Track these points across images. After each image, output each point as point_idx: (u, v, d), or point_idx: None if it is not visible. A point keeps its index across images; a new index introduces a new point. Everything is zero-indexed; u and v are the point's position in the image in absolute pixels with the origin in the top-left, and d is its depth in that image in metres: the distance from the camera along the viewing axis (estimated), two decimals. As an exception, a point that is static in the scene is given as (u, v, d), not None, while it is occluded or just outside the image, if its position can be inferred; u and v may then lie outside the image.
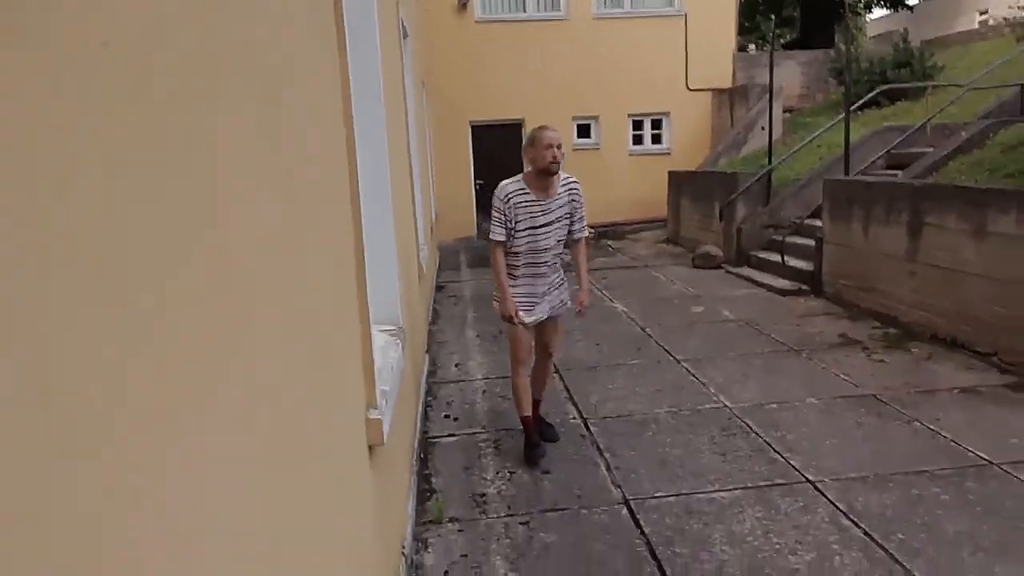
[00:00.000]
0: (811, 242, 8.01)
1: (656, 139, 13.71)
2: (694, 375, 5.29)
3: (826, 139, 9.81)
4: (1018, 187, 5.06)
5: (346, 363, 2.16)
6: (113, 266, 0.73)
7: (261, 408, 1.22)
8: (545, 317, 4.08)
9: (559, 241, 4.00)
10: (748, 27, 21.38)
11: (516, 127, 13.32)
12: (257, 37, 1.36)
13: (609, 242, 12.29)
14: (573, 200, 4.00)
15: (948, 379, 4.96)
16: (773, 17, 22.49)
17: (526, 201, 3.87)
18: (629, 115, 13.47)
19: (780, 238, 8.92)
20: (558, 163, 3.80)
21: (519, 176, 3.96)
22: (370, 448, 2.33)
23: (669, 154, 13.52)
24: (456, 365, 5.90)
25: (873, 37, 31.76)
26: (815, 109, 12.90)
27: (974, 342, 5.35)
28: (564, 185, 3.96)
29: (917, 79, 11.21)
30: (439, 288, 9.20)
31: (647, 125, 13.65)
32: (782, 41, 25.17)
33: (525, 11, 13.11)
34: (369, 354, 2.46)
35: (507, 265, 3.98)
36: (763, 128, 11.99)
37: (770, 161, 9.46)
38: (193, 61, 0.99)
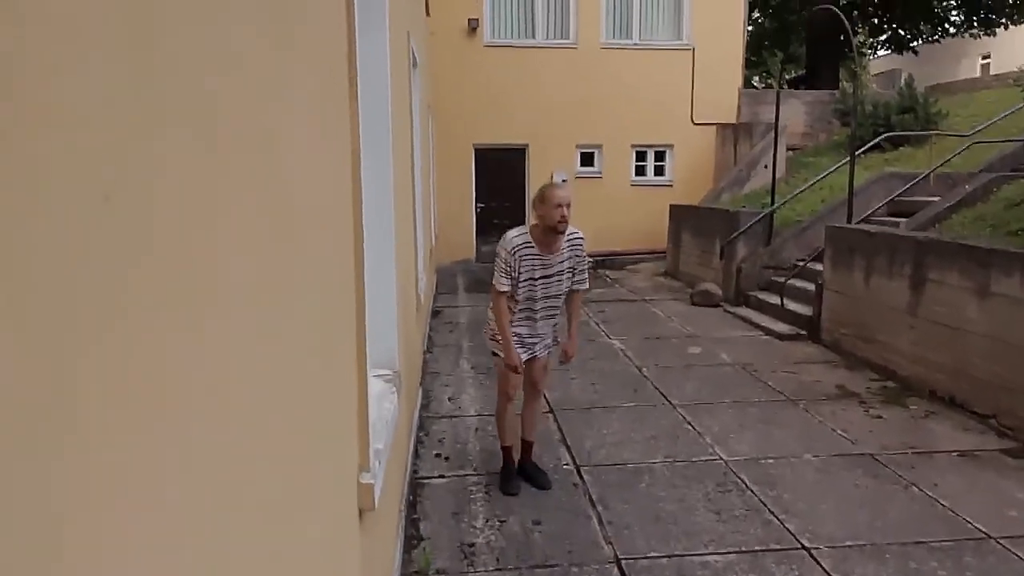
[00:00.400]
0: (811, 286, 7.98)
1: (659, 171, 13.72)
2: (690, 423, 5.22)
3: (828, 181, 9.82)
4: (1022, 249, 5.04)
5: (339, 418, 2.03)
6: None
7: (239, 464, 1.06)
8: (533, 355, 4.12)
9: (558, 295, 4.03)
10: (754, 62, 21.53)
11: (520, 152, 13.33)
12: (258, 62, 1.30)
13: (607, 272, 12.26)
14: (576, 255, 4.01)
15: (946, 440, 4.91)
16: (779, 53, 22.65)
17: (530, 255, 3.88)
18: (633, 145, 13.50)
19: (781, 280, 8.90)
20: (566, 223, 3.81)
21: (525, 229, 3.96)
22: (360, 512, 2.26)
23: (671, 186, 13.53)
24: (449, 399, 5.82)
25: (875, 75, 32.04)
26: (818, 149, 12.93)
27: (972, 402, 5.31)
28: (568, 240, 3.96)
29: (921, 125, 11.25)
30: (435, 313, 9.13)
31: (650, 156, 13.67)
32: (787, 77, 25.36)
33: (534, 37, 13.16)
34: (365, 409, 2.38)
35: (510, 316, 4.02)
36: (766, 167, 12.02)
37: (773, 201, 9.45)
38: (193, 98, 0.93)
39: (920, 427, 5.18)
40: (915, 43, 19.52)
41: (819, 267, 7.98)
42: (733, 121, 13.35)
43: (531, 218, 3.99)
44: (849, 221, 7.77)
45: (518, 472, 4.25)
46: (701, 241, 10.57)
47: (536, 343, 4.10)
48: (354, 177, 2.29)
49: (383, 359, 3.27)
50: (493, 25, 13.11)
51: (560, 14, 13.23)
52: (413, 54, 5.60)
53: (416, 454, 4.68)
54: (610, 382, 6.21)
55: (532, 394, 4.26)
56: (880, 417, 5.34)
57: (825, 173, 9.54)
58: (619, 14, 13.33)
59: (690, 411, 5.46)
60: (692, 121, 13.36)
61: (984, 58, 30.66)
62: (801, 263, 9.00)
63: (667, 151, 13.63)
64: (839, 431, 5.04)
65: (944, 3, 18.32)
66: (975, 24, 18.03)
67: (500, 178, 13.16)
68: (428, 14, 10.80)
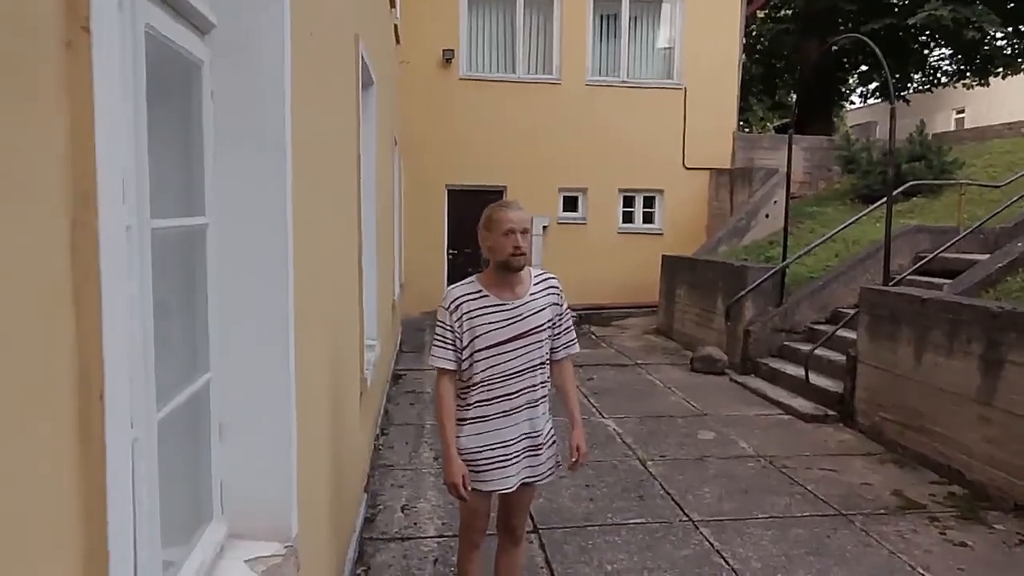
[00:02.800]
0: (837, 356, 6.82)
1: (648, 218, 12.64)
2: (719, 552, 3.93)
3: (840, 233, 8.76)
4: None
5: None
6: None
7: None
8: (517, 485, 2.75)
9: (542, 362, 2.73)
10: (741, 107, 20.87)
11: (497, 194, 12.15)
12: None
13: (593, 328, 11.04)
14: (555, 303, 2.75)
15: (1065, 585, 3.67)
16: (766, 99, 22.06)
17: (485, 307, 2.63)
18: (620, 190, 12.43)
19: (794, 346, 7.74)
20: (523, 254, 2.58)
21: (472, 277, 2.73)
22: None
23: (661, 235, 12.44)
24: (404, 508, 4.47)
25: (852, 126, 31.92)
26: (820, 197, 11.97)
27: (1080, 524, 4.10)
28: (540, 282, 2.73)
29: (935, 174, 10.33)
30: (396, 378, 7.80)
31: (639, 202, 12.61)
32: (773, 125, 24.83)
33: (515, 71, 12.13)
34: None
35: (461, 414, 2.70)
36: (767, 216, 11.00)
37: (784, 256, 8.33)
38: None
39: (1016, 559, 3.95)
40: (905, 92, 18.96)
41: (847, 334, 6.84)
42: (728, 166, 12.36)
43: (482, 256, 2.76)
44: (886, 282, 6.65)
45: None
46: (700, 297, 9.41)
47: (522, 458, 2.72)
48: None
49: (269, 528, 1.95)
50: (470, 57, 12.07)
51: (543, 47, 12.25)
52: (365, 67, 4.39)
53: (348, 609, 3.33)
54: (608, 482, 4.91)
55: (508, 542, 2.94)
56: (965, 545, 4.09)
57: (842, 226, 8.47)
58: (606, 49, 12.38)
59: (716, 532, 4.17)
60: (684, 165, 12.35)
61: (959, 112, 30.62)
62: (818, 327, 7.87)
63: (656, 196, 12.57)
64: (919, 569, 3.79)
65: (937, 52, 17.78)
66: (967, 75, 17.47)
67: (474, 223, 11.92)
68: (398, 42, 9.71)
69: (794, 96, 21.56)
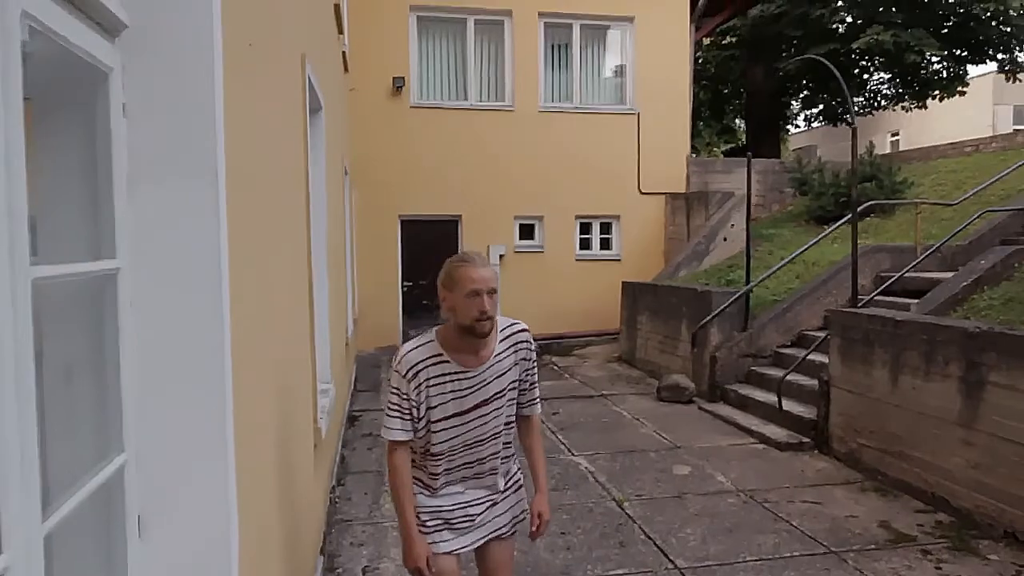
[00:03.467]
0: (808, 381, 6.68)
1: (605, 244, 12.50)
2: (711, 602, 3.64)
3: (799, 255, 8.71)
4: None
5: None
6: None
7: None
8: (485, 540, 2.49)
9: (508, 423, 2.45)
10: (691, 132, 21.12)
11: (452, 223, 11.90)
12: None
13: (554, 359, 10.77)
14: (524, 359, 2.45)
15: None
16: (714, 123, 22.43)
17: (445, 375, 2.32)
18: (577, 216, 12.26)
19: (761, 371, 7.59)
20: (489, 320, 2.26)
21: (429, 334, 2.39)
22: None
23: (619, 260, 12.30)
24: (365, 571, 4.07)
25: (794, 150, 32.77)
26: (775, 219, 12.00)
27: (1076, 552, 3.94)
28: (506, 338, 2.41)
29: (886, 194, 10.44)
30: (352, 420, 7.37)
31: (596, 228, 12.46)
32: (721, 150, 25.23)
33: (467, 99, 11.93)
34: None
35: (419, 475, 2.42)
36: (725, 239, 10.96)
37: (748, 279, 8.22)
38: None
39: (1018, 593, 3.76)
40: (847, 116, 19.42)
41: (817, 357, 6.71)
42: (683, 190, 12.33)
43: (442, 313, 2.41)
44: (853, 303, 6.55)
45: None
46: (663, 324, 9.24)
47: (488, 517, 2.48)
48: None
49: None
50: (421, 85, 11.83)
51: (495, 74, 12.09)
52: (312, 90, 4.08)
53: None
54: (584, 527, 4.59)
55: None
56: (963, 580, 3.90)
57: (805, 247, 8.41)
58: (559, 75, 12.29)
59: (705, 579, 3.89)
60: (640, 190, 12.27)
61: (894, 135, 31.76)
62: (784, 350, 7.75)
63: (613, 223, 12.45)
64: (922, 610, 3.56)
65: (876, 76, 18.29)
66: (906, 98, 17.99)
67: (430, 253, 11.59)
68: (347, 70, 9.41)
69: (742, 121, 21.96)
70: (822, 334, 7.48)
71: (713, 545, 4.32)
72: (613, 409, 7.79)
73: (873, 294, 7.25)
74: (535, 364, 2.52)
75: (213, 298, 1.55)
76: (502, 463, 2.48)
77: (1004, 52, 16.40)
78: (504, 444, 2.46)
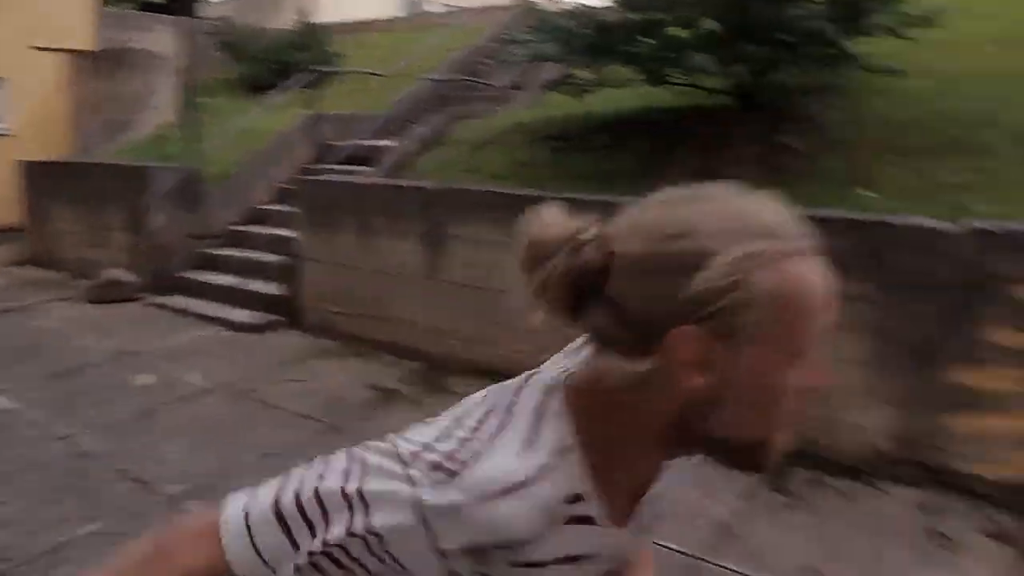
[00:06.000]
0: (271, 257, 6.30)
1: (-13, 114, 9.57)
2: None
3: (241, 125, 8.07)
4: (556, 193, 4.42)
5: None
6: None
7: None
8: None
9: None
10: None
11: None
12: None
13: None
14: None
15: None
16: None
17: (584, 556, 0.75)
18: (-65, 77, 8.99)
19: (217, 253, 6.90)
20: None
21: (550, 435, 0.71)
22: None
23: (13, 136, 9.60)
24: None
25: (216, 19, 30.98)
26: (207, 87, 10.88)
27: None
28: None
29: (320, 64, 10.38)
30: None
31: (-32, 94, 9.39)
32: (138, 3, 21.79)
33: None
34: None
35: None
36: (155, 108, 9.50)
37: (193, 154, 7.22)
38: None
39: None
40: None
41: (278, 231, 6.33)
42: (91, 48, 10.12)
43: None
44: (306, 172, 6.28)
45: None
46: (88, 211, 7.58)
47: None
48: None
49: None
50: None
51: None
52: None
53: None
54: (28, 484, 3.42)
55: None
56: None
57: (251, 118, 7.76)
58: None
59: (200, 497, 3.26)
60: (32, 45, 9.60)
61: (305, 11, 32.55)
62: (237, 228, 7.17)
63: (-4, 87, 9.56)
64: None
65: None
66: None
67: None
68: None
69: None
70: (277, 207, 7.15)
71: (204, 457, 3.69)
72: (34, 324, 6.11)
73: (328, 163, 7.14)
74: None
75: None
76: None
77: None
78: None
